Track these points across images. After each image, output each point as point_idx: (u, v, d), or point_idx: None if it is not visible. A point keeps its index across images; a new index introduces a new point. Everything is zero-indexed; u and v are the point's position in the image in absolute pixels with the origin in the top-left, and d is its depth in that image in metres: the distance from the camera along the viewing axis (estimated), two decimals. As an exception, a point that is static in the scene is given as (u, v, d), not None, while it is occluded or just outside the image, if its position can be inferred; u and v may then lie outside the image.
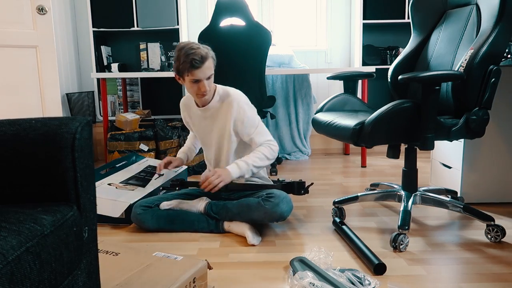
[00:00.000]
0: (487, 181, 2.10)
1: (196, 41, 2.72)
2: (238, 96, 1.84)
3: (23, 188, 0.85)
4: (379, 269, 1.39)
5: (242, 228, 1.73)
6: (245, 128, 1.81)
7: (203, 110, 1.88)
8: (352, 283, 1.27)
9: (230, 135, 1.85)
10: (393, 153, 1.71)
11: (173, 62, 1.83)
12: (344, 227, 1.72)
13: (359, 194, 1.92)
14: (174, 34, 3.57)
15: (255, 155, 1.79)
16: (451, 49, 1.77)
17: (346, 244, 1.65)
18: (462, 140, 2.07)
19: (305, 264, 1.35)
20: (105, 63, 3.66)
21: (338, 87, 3.92)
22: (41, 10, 2.30)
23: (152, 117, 3.59)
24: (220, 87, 1.87)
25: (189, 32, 3.85)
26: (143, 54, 3.72)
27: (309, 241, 1.69)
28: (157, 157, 3.06)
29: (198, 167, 2.94)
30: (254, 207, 1.72)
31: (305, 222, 1.91)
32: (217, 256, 1.56)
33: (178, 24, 3.51)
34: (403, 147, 1.74)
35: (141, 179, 2.30)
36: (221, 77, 2.77)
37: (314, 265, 1.33)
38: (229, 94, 1.84)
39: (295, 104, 3.48)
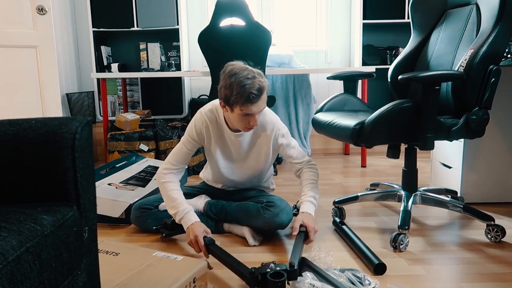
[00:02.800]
0: (487, 181, 2.10)
1: (196, 41, 2.73)
2: (274, 117, 1.76)
3: (23, 188, 0.85)
4: (379, 269, 1.39)
5: (242, 230, 1.73)
6: (288, 148, 1.75)
7: (244, 135, 1.70)
8: (352, 283, 1.27)
9: (269, 155, 1.76)
10: (393, 153, 1.71)
11: (219, 87, 1.55)
12: (344, 227, 1.72)
13: (359, 194, 1.92)
14: (174, 34, 3.57)
15: (314, 186, 1.73)
16: (451, 49, 1.77)
17: (346, 244, 1.65)
18: (462, 140, 2.07)
19: (305, 264, 1.35)
20: (105, 63, 3.66)
21: (338, 87, 3.92)
22: (41, 10, 2.30)
23: (152, 117, 3.60)
24: None
25: (189, 32, 3.85)
26: (143, 54, 3.72)
27: (309, 241, 1.69)
28: (157, 157, 3.06)
29: (198, 167, 2.94)
30: (253, 215, 1.69)
31: (305, 222, 1.91)
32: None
33: (178, 24, 3.51)
34: (403, 147, 1.74)
35: (141, 179, 2.30)
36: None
37: (314, 265, 1.33)
38: (265, 113, 1.71)
39: (295, 104, 3.48)
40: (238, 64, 1.54)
